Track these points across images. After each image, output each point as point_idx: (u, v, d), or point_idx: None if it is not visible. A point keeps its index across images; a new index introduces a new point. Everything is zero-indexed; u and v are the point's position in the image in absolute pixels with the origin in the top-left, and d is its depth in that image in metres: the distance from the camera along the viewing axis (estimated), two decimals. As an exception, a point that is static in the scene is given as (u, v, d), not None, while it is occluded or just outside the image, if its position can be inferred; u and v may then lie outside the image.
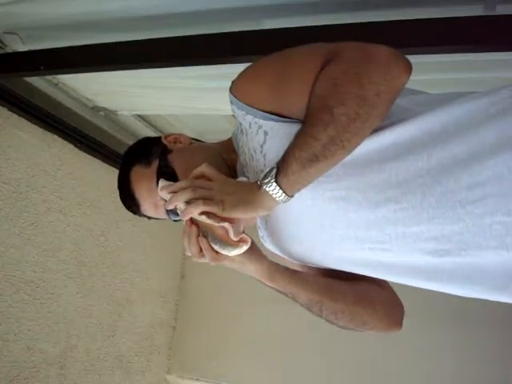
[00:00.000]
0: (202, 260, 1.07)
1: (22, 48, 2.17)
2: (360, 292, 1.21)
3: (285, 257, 1.23)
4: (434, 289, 1.07)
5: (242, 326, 3.48)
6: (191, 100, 2.55)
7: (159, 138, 1.32)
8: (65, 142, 2.66)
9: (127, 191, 1.25)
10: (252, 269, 1.12)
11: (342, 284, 1.20)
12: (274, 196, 0.96)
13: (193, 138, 1.36)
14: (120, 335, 3.09)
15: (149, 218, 1.31)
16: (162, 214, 1.24)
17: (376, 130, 0.98)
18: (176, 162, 1.23)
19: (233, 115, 1.19)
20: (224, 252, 1.03)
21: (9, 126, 2.37)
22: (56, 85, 2.56)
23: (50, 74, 2.33)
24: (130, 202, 1.26)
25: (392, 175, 0.97)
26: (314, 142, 0.92)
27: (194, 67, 2.00)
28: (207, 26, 1.83)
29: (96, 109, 2.81)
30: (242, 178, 1.14)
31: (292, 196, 0.97)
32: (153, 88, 2.44)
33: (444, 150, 0.94)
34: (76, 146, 2.71)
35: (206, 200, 0.99)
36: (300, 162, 0.93)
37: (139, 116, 2.98)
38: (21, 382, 2.36)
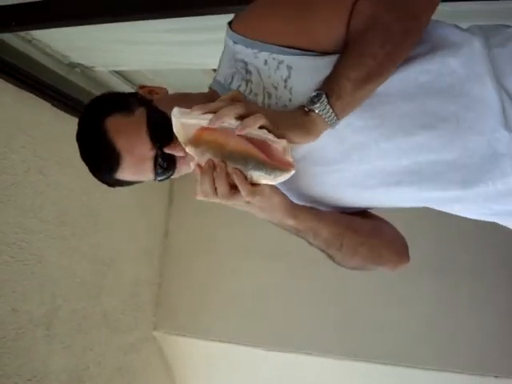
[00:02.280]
0: (229, 200, 0.97)
1: (-10, 4, 2.09)
2: (374, 226, 1.23)
3: (297, 200, 1.17)
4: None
5: (226, 281, 3.50)
6: (168, 54, 2.50)
7: (131, 92, 1.20)
8: (41, 100, 2.59)
9: (102, 143, 1.06)
10: (277, 203, 1.01)
11: (356, 218, 1.20)
12: (325, 120, 0.94)
13: None
14: (105, 294, 3.09)
15: (120, 184, 1.15)
16: (147, 171, 1.09)
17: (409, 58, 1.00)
18: (163, 108, 1.10)
19: (214, 69, 1.15)
20: (270, 178, 0.94)
21: (-18, 85, 2.30)
22: (30, 41, 2.48)
23: (21, 29, 2.24)
24: (105, 158, 1.07)
25: (426, 103, 0.99)
26: (371, 60, 0.93)
27: (170, 20, 1.94)
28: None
29: (72, 65, 2.75)
30: None
31: (340, 120, 0.96)
32: (129, 43, 2.38)
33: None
34: (53, 104, 2.65)
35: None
36: (355, 82, 0.93)
37: (116, 72, 2.91)
38: (7, 344, 2.35)
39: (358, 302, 3.19)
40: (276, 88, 1.05)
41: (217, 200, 0.98)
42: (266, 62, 1.05)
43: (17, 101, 2.46)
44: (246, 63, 1.09)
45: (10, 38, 2.39)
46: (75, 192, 2.80)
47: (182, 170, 1.14)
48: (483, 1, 1.58)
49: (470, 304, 2.95)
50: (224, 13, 1.46)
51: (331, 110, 0.94)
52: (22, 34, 2.39)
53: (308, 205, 1.15)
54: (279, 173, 0.94)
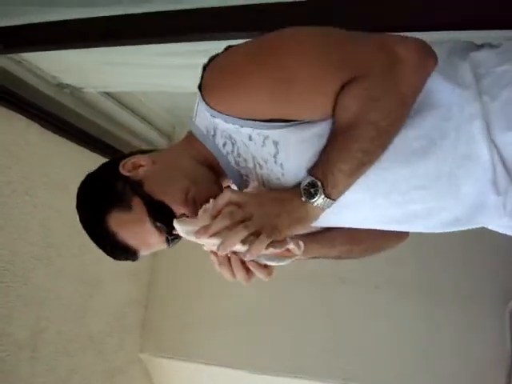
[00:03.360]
0: (248, 281, 1.08)
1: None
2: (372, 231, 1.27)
3: None
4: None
5: (214, 303, 3.47)
6: (158, 77, 2.50)
7: (115, 170, 1.16)
8: (29, 121, 2.57)
9: (115, 242, 1.13)
10: None
11: (358, 230, 1.25)
12: (322, 207, 0.97)
13: (144, 151, 1.23)
14: (91, 316, 3.05)
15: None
16: (161, 247, 1.17)
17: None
18: (157, 191, 1.10)
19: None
20: (282, 263, 1.03)
21: (-30, 105, 2.29)
22: (19, 62, 2.48)
23: (10, 52, 2.23)
24: (122, 250, 1.15)
25: (419, 166, 1.03)
26: (361, 154, 0.95)
27: (161, 44, 1.94)
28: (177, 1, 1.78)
29: (61, 86, 2.74)
30: (233, 186, 1.15)
31: (335, 202, 0.99)
32: (119, 65, 2.38)
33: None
34: (41, 124, 2.63)
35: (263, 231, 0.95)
36: (348, 173, 0.96)
37: (106, 93, 2.91)
38: (-9, 367, 2.32)
39: (346, 324, 3.17)
40: (266, 162, 1.06)
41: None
42: (250, 137, 1.04)
43: (4, 121, 2.45)
44: (229, 134, 1.07)
45: (-2, 59, 2.39)
46: (62, 213, 2.77)
47: None
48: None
49: (460, 330, 2.94)
50: (217, 39, 1.47)
51: (328, 200, 0.96)
52: (11, 54, 2.38)
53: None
54: (287, 259, 1.03)
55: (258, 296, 3.33)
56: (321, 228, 1.26)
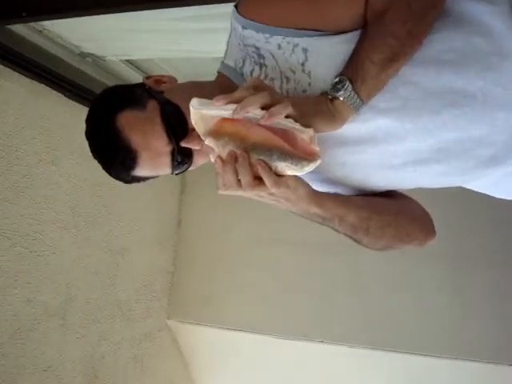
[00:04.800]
0: (253, 192, 0.93)
1: (1, -6, 2.07)
2: (398, 203, 1.21)
3: (320, 187, 1.13)
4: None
5: (239, 270, 3.49)
6: (180, 43, 2.48)
7: (138, 83, 1.13)
8: (53, 91, 2.58)
9: (117, 142, 1.02)
10: (302, 193, 0.97)
11: (380, 199, 1.18)
12: (351, 106, 0.93)
13: None
14: (119, 283, 3.10)
15: (137, 180, 1.11)
16: (165, 166, 1.06)
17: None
18: (176, 99, 1.04)
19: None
20: (296, 168, 0.90)
21: (-6, 76, 2.29)
22: (40, 32, 2.47)
23: (32, 20, 2.21)
24: (121, 155, 1.03)
25: (451, 80, 0.97)
26: (394, 40, 0.91)
27: (181, 8, 1.91)
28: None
29: (83, 55, 2.73)
30: None
31: (366, 104, 0.95)
32: (140, 31, 2.36)
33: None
34: (65, 94, 2.64)
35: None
36: (379, 64, 0.92)
37: (128, 61, 2.89)
38: (23, 335, 2.37)
39: (371, 289, 3.18)
40: (294, 72, 1.03)
41: (240, 192, 0.94)
42: (279, 47, 1.02)
43: (28, 92, 2.45)
44: (257, 48, 1.05)
45: (19, 28, 2.37)
46: (88, 182, 2.80)
47: (198, 162, 1.11)
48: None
49: (485, 292, 2.92)
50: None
51: (356, 96, 0.92)
52: (33, 24, 2.37)
53: (331, 191, 1.13)
54: (306, 163, 0.90)
55: (285, 262, 3.35)
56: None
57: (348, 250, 3.04)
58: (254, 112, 0.88)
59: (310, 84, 1.02)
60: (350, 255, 3.12)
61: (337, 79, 0.93)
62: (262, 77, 1.07)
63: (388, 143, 1.03)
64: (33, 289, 2.44)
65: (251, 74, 1.10)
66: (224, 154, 0.92)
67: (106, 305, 2.97)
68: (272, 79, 1.06)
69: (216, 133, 0.92)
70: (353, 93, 0.92)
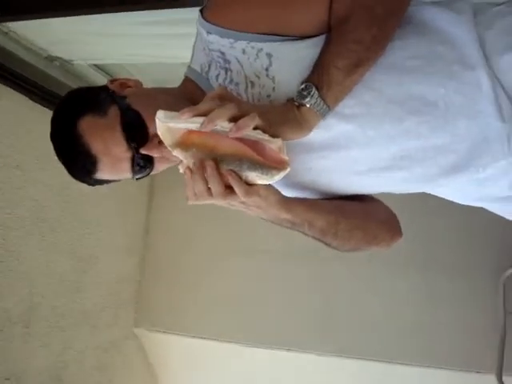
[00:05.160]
0: (224, 200, 0.94)
1: (-34, -6, 2.04)
2: (366, 207, 1.22)
3: (289, 191, 1.15)
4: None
5: (207, 278, 3.48)
6: (149, 48, 2.46)
7: (102, 86, 1.13)
8: (19, 94, 2.53)
9: (77, 147, 1.03)
10: (273, 201, 0.99)
11: (348, 202, 1.19)
12: (317, 113, 0.93)
13: None
14: (85, 291, 3.05)
15: (99, 183, 1.13)
16: (125, 171, 1.07)
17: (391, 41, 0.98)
18: (138, 105, 1.05)
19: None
20: (266, 178, 0.91)
21: (-43, 77, 2.25)
22: (6, 33, 2.43)
23: (-1, 21, 2.18)
24: (81, 160, 1.05)
25: (413, 88, 0.98)
26: (358, 45, 0.92)
27: (149, 12, 1.90)
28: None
29: (50, 58, 2.69)
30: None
31: (332, 110, 0.95)
32: (109, 35, 2.34)
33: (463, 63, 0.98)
34: (31, 98, 2.59)
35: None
36: (344, 70, 0.92)
37: (96, 66, 2.87)
38: (-16, 342, 2.31)
39: (339, 296, 3.19)
40: (258, 77, 1.03)
41: (210, 201, 0.95)
42: (244, 52, 1.02)
43: (-7, 95, 2.41)
44: (222, 53, 1.06)
45: (-15, 30, 2.33)
46: (54, 187, 2.75)
47: (159, 167, 1.12)
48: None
49: (454, 301, 2.96)
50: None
51: (323, 102, 0.92)
52: (-1, 26, 2.34)
53: (300, 195, 1.14)
54: (275, 172, 0.92)
55: (252, 271, 3.35)
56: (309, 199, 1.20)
57: (314, 258, 3.07)
58: (222, 124, 0.88)
59: (274, 89, 1.02)
60: (316, 262, 3.14)
61: (303, 86, 0.93)
62: (227, 81, 1.08)
63: (350, 149, 1.04)
64: (-5, 295, 2.38)
65: (217, 79, 1.11)
66: (192, 165, 0.92)
67: (71, 312, 2.92)
68: (237, 84, 1.07)
69: (184, 144, 0.92)
70: (319, 99, 0.92)
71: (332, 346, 3.13)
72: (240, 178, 0.92)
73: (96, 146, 1.03)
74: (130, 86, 1.14)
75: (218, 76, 1.10)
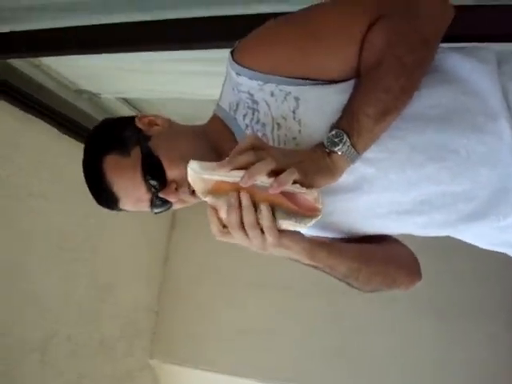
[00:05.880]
0: (252, 232, 0.93)
1: (2, 29, 2.11)
2: (386, 251, 1.22)
3: (310, 231, 1.15)
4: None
5: (225, 311, 3.48)
6: (177, 84, 2.51)
7: (131, 120, 1.17)
8: (47, 125, 2.60)
9: (101, 183, 1.10)
10: (299, 248, 0.99)
11: (370, 246, 1.19)
12: (347, 158, 0.94)
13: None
14: (103, 320, 3.07)
15: (124, 210, 1.18)
16: (144, 208, 1.14)
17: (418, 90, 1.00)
18: (159, 149, 1.10)
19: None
20: (299, 226, 0.93)
21: (-12, 108, 2.32)
22: (38, 66, 2.50)
23: (31, 56, 2.25)
24: (105, 195, 1.12)
25: (435, 136, 0.99)
26: (386, 95, 0.93)
27: (181, 51, 1.95)
28: (194, 8, 1.80)
29: (79, 92, 2.76)
30: None
31: (361, 156, 0.96)
32: (138, 71, 2.40)
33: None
34: (59, 129, 2.66)
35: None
36: (374, 118, 0.93)
37: (124, 99, 2.93)
38: (1, 371, 2.33)
39: (356, 333, 3.16)
40: (285, 119, 1.05)
41: (236, 238, 0.95)
42: (272, 94, 1.05)
43: (22, 125, 2.48)
44: (251, 94, 1.08)
45: (18, 62, 2.41)
46: (76, 217, 2.80)
47: (177, 206, 1.17)
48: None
49: (471, 343, 2.92)
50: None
51: (353, 150, 0.93)
52: (31, 59, 2.41)
53: (321, 235, 1.16)
54: (308, 220, 0.93)
55: (268, 306, 3.34)
56: (331, 239, 1.21)
57: (333, 295, 3.06)
58: (261, 179, 0.89)
59: (299, 131, 1.04)
60: (332, 299, 3.13)
61: (333, 132, 0.93)
62: (254, 122, 1.10)
63: (372, 193, 1.05)
64: (13, 323, 2.41)
65: (244, 118, 1.12)
66: (223, 211, 0.93)
67: (87, 341, 2.94)
68: (264, 125, 1.09)
69: (216, 192, 0.93)
70: (350, 147, 0.93)
71: (346, 383, 3.10)
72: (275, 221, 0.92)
73: (117, 185, 1.10)
74: (157, 124, 1.17)
75: (245, 116, 1.12)
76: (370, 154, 1.00)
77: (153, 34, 1.77)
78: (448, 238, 1.21)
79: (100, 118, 2.83)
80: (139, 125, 1.16)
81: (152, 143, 1.11)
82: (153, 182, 1.09)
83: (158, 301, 3.69)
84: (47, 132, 2.62)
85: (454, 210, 1.04)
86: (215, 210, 0.95)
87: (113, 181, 1.09)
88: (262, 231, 0.93)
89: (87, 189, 1.15)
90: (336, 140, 0.92)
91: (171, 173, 1.09)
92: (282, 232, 0.94)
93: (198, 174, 0.92)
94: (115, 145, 1.11)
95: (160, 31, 1.75)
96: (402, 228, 1.15)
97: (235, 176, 0.89)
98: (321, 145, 0.96)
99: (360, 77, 1.00)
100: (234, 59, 1.07)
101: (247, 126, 1.12)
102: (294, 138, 1.04)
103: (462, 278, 3.02)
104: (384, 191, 1.05)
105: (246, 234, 0.93)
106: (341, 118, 0.96)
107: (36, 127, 2.55)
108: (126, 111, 3.00)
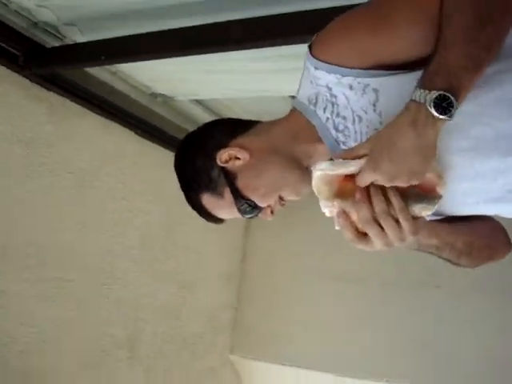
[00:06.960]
0: (395, 237, 0.93)
1: (80, 39, 2.19)
2: (485, 223, 1.22)
3: None
4: None
5: (303, 306, 3.48)
6: (248, 82, 2.53)
7: (211, 153, 1.21)
8: (125, 129, 2.69)
9: (208, 214, 1.26)
10: (427, 230, 1.05)
11: (477, 223, 1.19)
12: (445, 118, 0.85)
13: (242, 122, 1.28)
14: (185, 317, 3.14)
15: None
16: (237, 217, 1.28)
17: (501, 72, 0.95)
18: (248, 189, 1.19)
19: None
20: (431, 207, 0.93)
21: (71, 115, 2.42)
22: (114, 73, 2.58)
23: (111, 63, 2.34)
24: (211, 219, 1.28)
25: None
26: (475, 45, 0.85)
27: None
28: (264, 7, 1.81)
29: (154, 95, 2.83)
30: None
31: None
32: (209, 72, 2.43)
33: None
34: (136, 132, 2.74)
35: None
36: (472, 70, 0.86)
37: (196, 101, 2.98)
38: (92, 366, 2.43)
39: (437, 327, 3.10)
40: (366, 112, 1.05)
41: (372, 234, 0.94)
42: (351, 87, 1.04)
43: (102, 129, 2.57)
44: (329, 88, 1.08)
45: (95, 69, 2.50)
46: (155, 217, 2.87)
47: None
48: None
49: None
50: (304, 42, 1.48)
51: (454, 108, 0.85)
52: (107, 66, 2.49)
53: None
54: (437, 199, 0.94)
55: (347, 299, 3.32)
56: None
57: (410, 286, 3.01)
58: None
59: (381, 123, 1.02)
60: (415, 291, 3.07)
61: (436, 94, 0.84)
62: (334, 115, 1.10)
63: (458, 182, 1.04)
64: (103, 321, 2.51)
65: (324, 112, 1.13)
66: (353, 212, 0.95)
67: (172, 339, 3.01)
68: (344, 117, 1.09)
69: (341, 194, 0.95)
70: (456, 105, 0.85)
71: (428, 377, 3.04)
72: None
73: (221, 215, 1.26)
74: (238, 158, 1.20)
75: (325, 109, 1.12)
76: (453, 142, 0.98)
77: (226, 34, 1.81)
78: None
79: (174, 119, 2.94)
80: (220, 164, 1.20)
81: (240, 183, 1.19)
82: (249, 216, 1.22)
83: (237, 297, 3.74)
84: (125, 135, 2.71)
85: None
86: (346, 214, 0.95)
87: (216, 213, 1.25)
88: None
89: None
90: (444, 104, 0.84)
91: (265, 203, 1.20)
92: (417, 218, 0.95)
93: (331, 171, 0.94)
94: (207, 185, 1.22)
95: (233, 31, 1.79)
96: (493, 212, 1.15)
97: (354, 165, 0.92)
98: (422, 109, 0.86)
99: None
100: (311, 53, 1.07)
101: (328, 118, 1.13)
102: (376, 129, 1.02)
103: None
104: (470, 181, 1.03)
105: (381, 227, 0.93)
106: (430, 80, 0.87)
107: (115, 132, 2.65)
108: (199, 112, 3.04)
